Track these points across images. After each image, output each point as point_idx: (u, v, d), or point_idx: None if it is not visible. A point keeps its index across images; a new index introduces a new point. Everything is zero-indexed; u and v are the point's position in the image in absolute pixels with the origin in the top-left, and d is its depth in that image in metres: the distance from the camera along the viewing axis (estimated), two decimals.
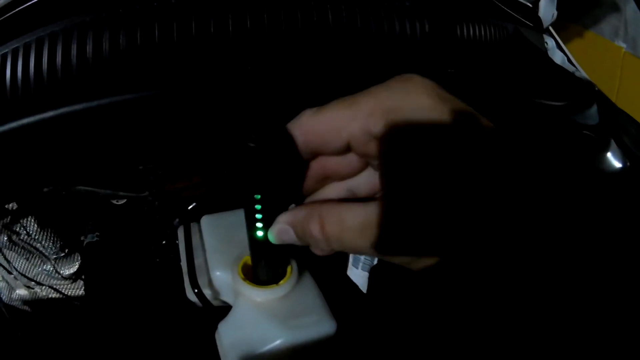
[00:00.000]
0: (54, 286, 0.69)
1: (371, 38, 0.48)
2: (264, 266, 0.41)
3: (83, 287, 0.68)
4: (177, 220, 0.54)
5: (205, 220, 0.49)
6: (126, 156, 0.47)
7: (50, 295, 0.71)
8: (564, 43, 0.75)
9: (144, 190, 0.51)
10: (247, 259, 0.45)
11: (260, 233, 0.35)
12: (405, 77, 0.27)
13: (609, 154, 0.59)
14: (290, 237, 0.32)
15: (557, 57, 0.70)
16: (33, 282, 0.71)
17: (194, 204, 0.52)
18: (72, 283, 0.68)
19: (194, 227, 0.49)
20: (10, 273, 0.72)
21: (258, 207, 0.33)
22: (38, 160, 0.49)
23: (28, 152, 0.47)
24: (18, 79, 0.42)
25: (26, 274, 0.71)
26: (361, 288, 0.50)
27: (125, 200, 0.57)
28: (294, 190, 0.36)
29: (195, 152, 0.48)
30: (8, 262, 0.70)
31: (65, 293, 0.69)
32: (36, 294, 0.72)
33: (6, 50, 0.43)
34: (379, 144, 0.26)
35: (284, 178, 0.34)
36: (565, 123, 0.61)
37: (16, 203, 0.59)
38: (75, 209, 0.61)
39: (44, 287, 0.70)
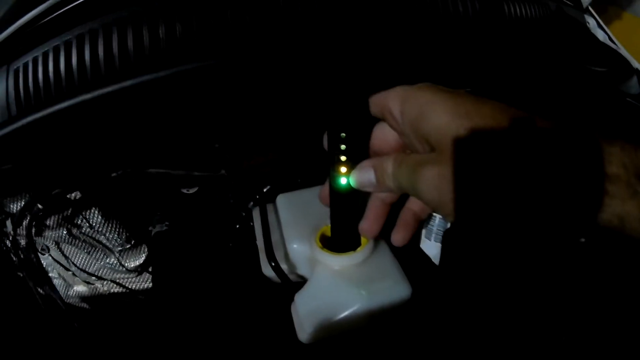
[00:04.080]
0: (117, 280, 0.73)
1: (427, 16, 0.52)
2: (343, 224, 0.45)
3: (149, 280, 0.72)
4: (251, 203, 0.59)
5: (280, 198, 0.53)
6: (202, 132, 0.52)
7: (112, 290, 0.74)
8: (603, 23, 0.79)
9: (219, 170, 0.56)
10: (325, 229, 0.49)
11: (343, 180, 0.40)
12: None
13: None
14: (370, 179, 0.38)
15: (599, 35, 0.74)
16: (93, 277, 0.74)
17: (268, 186, 0.56)
18: (137, 276, 0.72)
19: (268, 207, 0.54)
20: (68, 270, 0.75)
21: (343, 147, 0.39)
22: (107, 139, 0.53)
23: (96, 129, 0.52)
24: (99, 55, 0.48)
25: (86, 269, 0.74)
26: (433, 259, 0.54)
27: (196, 189, 0.61)
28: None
29: (273, 126, 0.53)
30: (66, 257, 0.73)
31: (130, 287, 0.73)
32: (96, 289, 0.75)
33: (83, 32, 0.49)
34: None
35: (364, 124, 0.40)
36: (610, 90, 0.65)
37: (80, 192, 0.62)
38: (143, 198, 0.64)
39: (105, 281, 0.74)
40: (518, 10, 0.60)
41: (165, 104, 0.50)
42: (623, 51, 0.77)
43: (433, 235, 0.54)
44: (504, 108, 0.31)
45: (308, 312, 0.45)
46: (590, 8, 0.78)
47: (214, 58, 0.48)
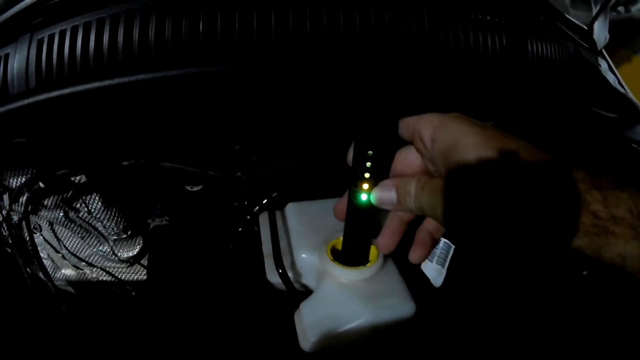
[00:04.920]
0: (108, 268, 0.72)
1: (455, 50, 0.54)
2: (356, 239, 0.46)
3: (139, 272, 0.71)
4: (257, 208, 0.59)
5: (290, 207, 0.54)
6: (226, 132, 0.52)
7: (100, 278, 0.73)
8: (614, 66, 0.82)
9: (235, 172, 0.56)
10: (335, 242, 0.50)
11: (364, 197, 0.41)
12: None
13: None
14: (391, 198, 0.39)
15: (610, 79, 0.77)
16: (83, 263, 0.73)
17: (275, 193, 0.56)
18: (128, 267, 0.71)
19: (276, 214, 0.54)
20: (58, 252, 0.74)
21: (368, 164, 0.40)
22: (126, 127, 0.52)
23: (117, 115, 0.51)
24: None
25: (77, 254, 0.73)
26: (432, 281, 0.55)
27: (200, 187, 0.61)
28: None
29: (294, 135, 0.53)
30: (58, 239, 0.72)
31: (119, 277, 0.72)
32: (84, 275, 0.75)
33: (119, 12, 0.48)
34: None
35: (392, 144, 0.42)
36: (616, 135, 0.67)
37: (85, 176, 0.61)
38: (145, 190, 0.64)
39: (95, 268, 0.73)
40: (541, 49, 0.62)
41: (193, 100, 0.50)
42: (631, 96, 0.80)
43: (435, 257, 0.55)
44: (525, 145, 0.33)
45: (313, 321, 0.45)
46: (603, 51, 0.81)
47: (243, 61, 0.48)
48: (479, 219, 0.33)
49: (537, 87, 0.60)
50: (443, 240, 0.55)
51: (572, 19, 0.77)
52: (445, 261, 0.53)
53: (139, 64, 0.48)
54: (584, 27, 0.78)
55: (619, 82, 0.79)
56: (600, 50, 0.80)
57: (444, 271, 0.53)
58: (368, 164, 0.40)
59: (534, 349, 0.51)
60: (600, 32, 0.80)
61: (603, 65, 0.78)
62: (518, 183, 0.31)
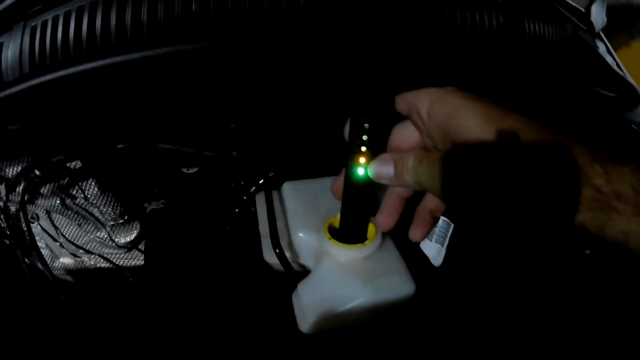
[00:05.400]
0: (106, 255, 0.72)
1: (451, 27, 0.54)
2: (354, 216, 0.46)
3: (138, 257, 0.71)
4: (253, 188, 0.59)
5: (287, 186, 0.54)
6: (220, 111, 0.51)
7: (99, 265, 0.73)
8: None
9: (230, 151, 0.56)
10: (332, 220, 0.49)
11: (361, 171, 0.41)
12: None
13: None
14: (388, 172, 0.39)
15: (608, 61, 0.77)
16: (81, 250, 0.73)
17: (272, 173, 0.56)
18: (126, 252, 0.71)
19: (273, 194, 0.54)
20: (56, 240, 0.74)
21: (364, 137, 0.40)
22: (119, 109, 0.52)
23: (110, 97, 0.51)
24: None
25: (75, 242, 0.73)
26: (432, 260, 0.55)
27: (196, 169, 0.61)
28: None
29: (290, 112, 0.53)
30: (56, 228, 0.72)
31: (117, 263, 0.72)
32: (83, 262, 0.74)
33: None
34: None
35: (388, 119, 0.42)
36: (615, 115, 0.67)
37: (80, 161, 0.61)
38: (141, 174, 0.64)
39: (93, 255, 0.73)
40: (538, 29, 0.61)
41: (186, 79, 0.50)
42: (629, 79, 0.80)
43: (434, 236, 0.55)
44: (525, 120, 0.33)
45: (311, 302, 0.45)
46: (601, 33, 0.81)
47: (235, 38, 0.48)
48: (478, 192, 0.33)
49: (535, 65, 0.60)
50: (442, 218, 0.54)
51: (569, 1, 0.77)
52: (445, 240, 0.53)
53: (132, 44, 0.47)
54: (582, 9, 0.78)
55: (618, 65, 0.79)
56: (598, 32, 0.80)
57: (444, 250, 0.53)
58: (364, 137, 0.40)
59: (534, 328, 0.51)
60: (598, 15, 0.80)
61: (601, 48, 0.78)
62: (517, 156, 0.31)
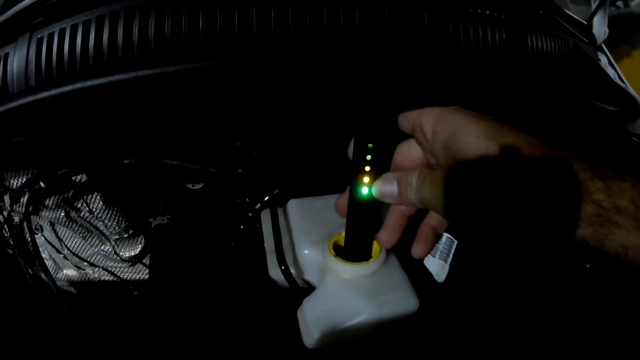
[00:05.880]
0: (109, 268, 0.72)
1: (454, 45, 0.54)
2: (358, 234, 0.46)
3: (142, 271, 0.72)
4: (258, 205, 0.59)
5: (292, 204, 0.54)
6: (226, 128, 0.52)
7: (102, 278, 0.74)
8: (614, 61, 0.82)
9: (236, 168, 0.56)
10: (337, 238, 0.50)
11: (365, 190, 0.41)
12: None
13: None
14: (392, 191, 0.39)
15: (610, 73, 0.77)
16: (85, 263, 0.74)
17: (277, 190, 0.57)
18: (130, 266, 0.72)
19: (278, 211, 0.54)
20: (59, 252, 0.74)
21: (368, 157, 0.40)
22: (126, 124, 0.52)
23: (117, 112, 0.51)
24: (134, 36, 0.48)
25: (79, 254, 0.73)
26: (435, 277, 0.55)
27: (201, 185, 0.61)
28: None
29: (294, 131, 0.53)
30: (60, 239, 0.73)
31: (121, 276, 0.73)
32: (86, 275, 0.75)
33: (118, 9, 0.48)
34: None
35: (392, 138, 0.42)
36: (616, 128, 0.68)
37: (86, 175, 0.62)
38: (147, 189, 0.64)
39: (97, 268, 0.73)
40: (540, 44, 0.62)
41: (193, 96, 0.50)
42: (631, 90, 0.80)
43: (438, 253, 0.55)
44: (527, 137, 0.33)
45: (316, 317, 0.46)
46: (603, 45, 0.82)
47: (243, 57, 0.48)
48: (481, 209, 0.33)
49: (537, 80, 0.61)
50: (446, 235, 0.55)
51: (571, 14, 0.77)
52: (448, 256, 0.54)
53: (139, 61, 0.48)
54: (583, 22, 0.79)
55: (619, 77, 0.80)
56: (600, 44, 0.80)
57: (447, 266, 0.54)
58: (368, 157, 0.40)
59: (537, 343, 0.52)
60: (600, 27, 0.80)
61: (603, 60, 0.79)
62: (519, 173, 0.32)
